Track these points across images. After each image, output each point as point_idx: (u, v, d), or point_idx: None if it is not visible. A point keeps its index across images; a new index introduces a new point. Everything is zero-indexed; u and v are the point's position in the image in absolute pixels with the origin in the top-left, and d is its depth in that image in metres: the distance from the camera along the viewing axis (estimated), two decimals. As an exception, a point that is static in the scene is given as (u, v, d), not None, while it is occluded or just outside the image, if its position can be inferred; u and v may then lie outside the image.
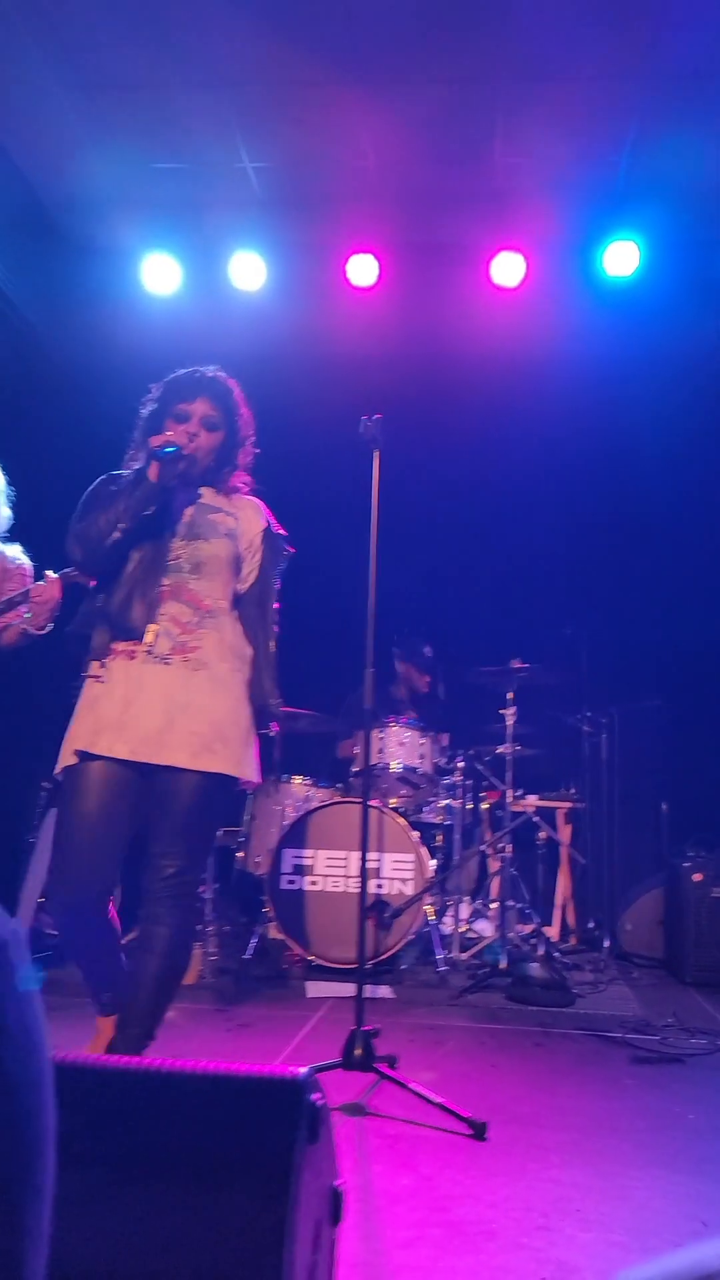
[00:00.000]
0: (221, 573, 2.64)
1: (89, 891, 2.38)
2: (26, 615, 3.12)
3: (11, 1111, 0.44)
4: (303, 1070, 1.18)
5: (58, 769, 2.50)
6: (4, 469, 3.66)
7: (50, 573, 3.06)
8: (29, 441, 3.83)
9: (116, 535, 2.50)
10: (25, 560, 3.58)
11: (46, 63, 4.79)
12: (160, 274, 5.98)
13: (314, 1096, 1.18)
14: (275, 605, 2.77)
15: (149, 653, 2.50)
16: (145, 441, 2.65)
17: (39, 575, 3.41)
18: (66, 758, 2.48)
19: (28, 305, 5.70)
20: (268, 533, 2.78)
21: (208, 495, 2.74)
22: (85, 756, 2.45)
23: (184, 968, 2.57)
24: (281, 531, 2.82)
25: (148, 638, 2.50)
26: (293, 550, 2.83)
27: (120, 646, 2.52)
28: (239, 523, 2.73)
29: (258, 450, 2.79)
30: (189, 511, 2.67)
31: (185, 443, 2.54)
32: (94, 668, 2.53)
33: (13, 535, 3.68)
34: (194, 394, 2.67)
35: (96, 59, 4.78)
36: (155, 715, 2.44)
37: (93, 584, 2.71)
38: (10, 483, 3.65)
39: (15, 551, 3.59)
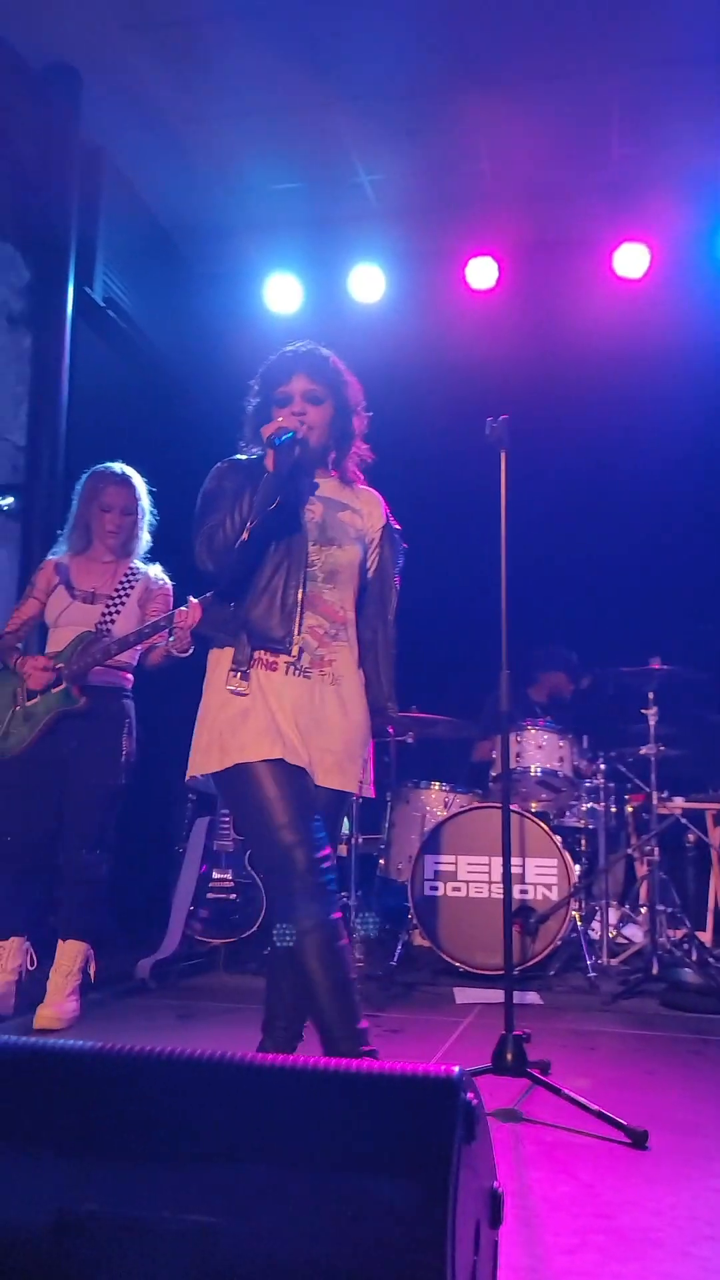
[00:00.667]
0: (352, 581, 2.57)
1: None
2: (170, 639, 3.22)
3: None
4: (456, 1069, 1.18)
5: (202, 771, 2.44)
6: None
7: (192, 598, 3.14)
8: (158, 467, 3.94)
9: (245, 537, 2.38)
10: (167, 580, 3.70)
11: (169, 97, 4.96)
12: (282, 293, 6.10)
13: (469, 1095, 1.17)
14: (395, 605, 2.66)
15: (293, 666, 2.43)
16: (256, 437, 2.55)
17: (179, 596, 3.52)
18: (220, 762, 2.39)
19: (156, 332, 5.90)
20: (388, 528, 2.69)
21: (330, 488, 2.62)
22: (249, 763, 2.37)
23: None
24: (397, 526, 2.74)
25: (293, 650, 2.43)
26: (406, 545, 2.73)
27: (261, 657, 2.43)
28: (364, 520, 2.64)
29: (370, 414, 2.67)
30: (318, 510, 2.56)
31: (297, 426, 2.43)
32: (235, 679, 2.42)
33: (150, 557, 3.79)
34: (289, 373, 2.55)
35: (215, 89, 4.93)
36: (294, 729, 2.39)
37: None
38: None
39: (157, 572, 3.71)
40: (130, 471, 3.68)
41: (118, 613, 3.55)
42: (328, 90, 4.96)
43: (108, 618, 3.53)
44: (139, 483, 3.68)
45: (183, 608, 3.10)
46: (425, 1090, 1.16)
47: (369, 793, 2.58)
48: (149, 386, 5.98)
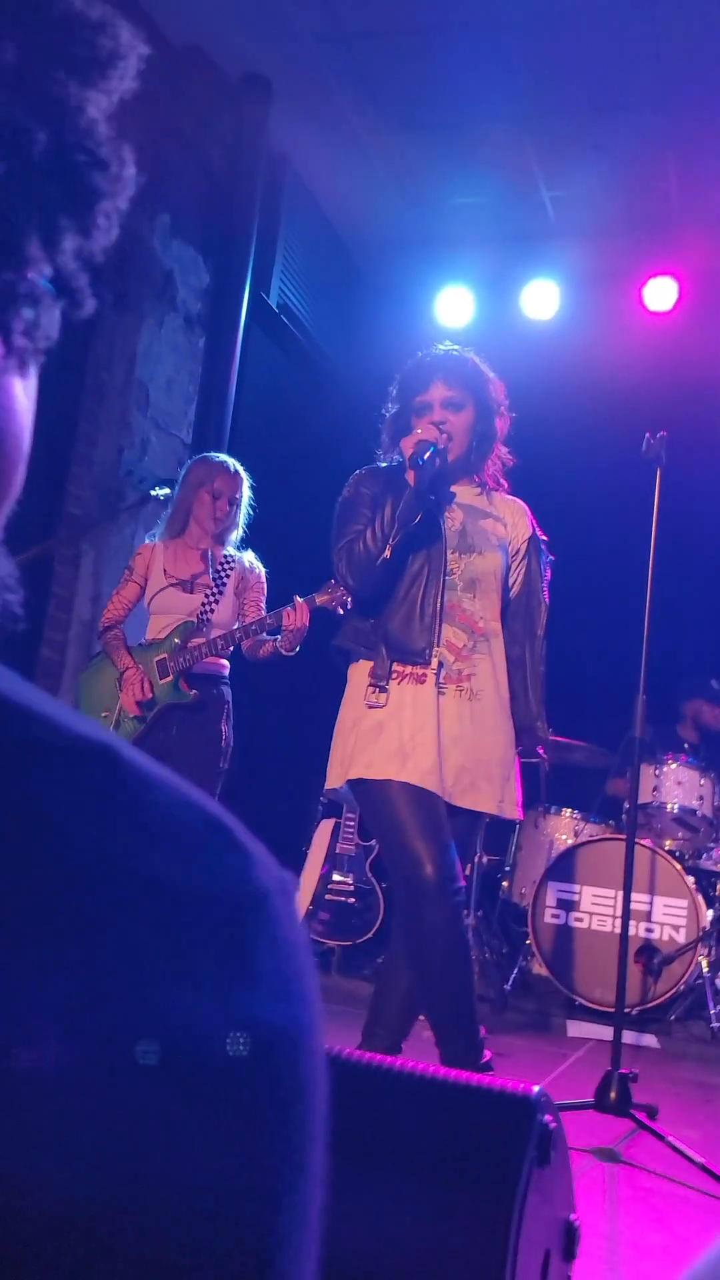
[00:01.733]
0: (494, 590, 2.51)
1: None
2: (278, 639, 3.29)
3: (265, 1081, 0.36)
4: (536, 1088, 1.14)
5: (336, 784, 2.46)
6: (303, 504, 3.84)
7: (299, 598, 3.21)
8: (318, 474, 3.99)
9: (387, 554, 2.35)
10: (261, 567, 3.73)
11: (355, 110, 5.04)
12: (454, 307, 6.10)
13: (546, 1118, 1.13)
14: (544, 620, 2.60)
15: (436, 678, 2.39)
16: (394, 445, 2.52)
17: (275, 588, 3.55)
18: (344, 776, 2.41)
19: (329, 341, 5.99)
20: (534, 539, 2.61)
21: (469, 495, 2.57)
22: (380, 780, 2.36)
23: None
24: (544, 537, 2.67)
25: (432, 662, 2.39)
26: (553, 558, 2.67)
27: (400, 669, 2.40)
28: (507, 529, 2.58)
29: (514, 415, 2.59)
30: (458, 517, 2.51)
31: (437, 437, 2.40)
32: (372, 693, 2.39)
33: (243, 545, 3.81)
34: (428, 381, 2.49)
35: (401, 103, 4.98)
36: (434, 747, 2.35)
37: (340, 608, 2.74)
38: (306, 512, 3.82)
39: (251, 559, 3.75)
40: (237, 464, 3.74)
41: (217, 601, 3.58)
42: (514, 105, 4.93)
43: (208, 607, 3.57)
44: (244, 475, 3.74)
45: (289, 608, 3.18)
46: (501, 1105, 1.13)
47: (512, 814, 2.52)
48: (315, 393, 6.08)
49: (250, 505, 3.75)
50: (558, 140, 5.17)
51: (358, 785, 2.40)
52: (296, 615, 3.15)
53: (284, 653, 3.26)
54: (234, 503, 3.69)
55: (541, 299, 5.94)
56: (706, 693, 5.41)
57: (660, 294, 5.79)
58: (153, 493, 3.94)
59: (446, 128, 5.15)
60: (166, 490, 3.97)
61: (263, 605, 3.60)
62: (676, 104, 4.81)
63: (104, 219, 0.47)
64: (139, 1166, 0.33)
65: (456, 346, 2.59)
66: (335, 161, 5.37)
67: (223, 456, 3.76)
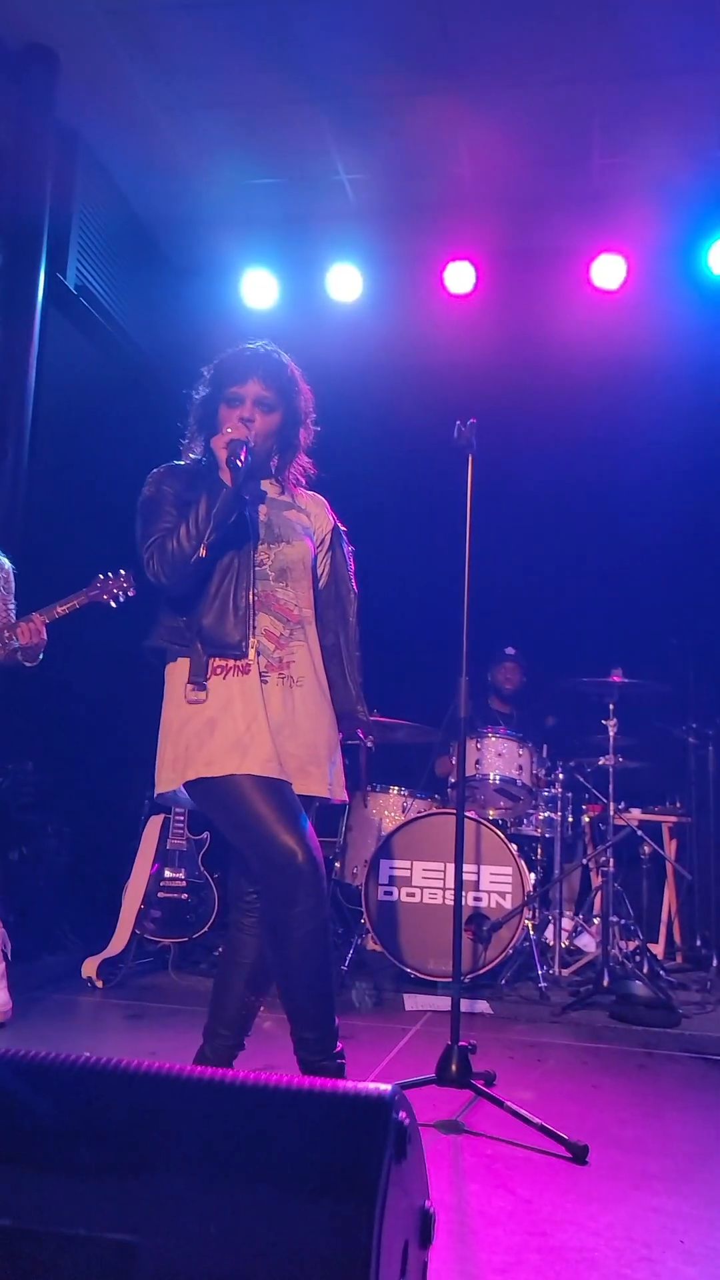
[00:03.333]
0: (305, 578, 2.53)
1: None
2: (17, 652, 3.25)
3: None
4: (389, 1088, 1.15)
5: (171, 788, 2.38)
6: (111, 487, 3.70)
7: (36, 615, 3.19)
8: (127, 458, 3.87)
9: (202, 553, 2.33)
10: (6, 560, 3.61)
11: (148, 85, 4.90)
12: (259, 289, 6.06)
13: (401, 1115, 1.14)
14: (355, 607, 2.63)
15: (259, 668, 2.38)
16: (201, 431, 2.52)
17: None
18: (184, 776, 2.35)
19: (132, 324, 5.83)
20: (336, 530, 2.66)
21: (270, 490, 2.59)
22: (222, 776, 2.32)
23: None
24: (344, 528, 2.70)
25: (250, 654, 2.37)
26: (353, 548, 2.70)
27: (220, 664, 2.38)
28: (311, 519, 2.61)
29: (318, 429, 2.62)
30: (264, 510, 2.53)
31: (247, 434, 2.39)
32: (191, 690, 2.37)
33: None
34: (245, 375, 2.48)
35: (196, 80, 4.88)
36: (268, 735, 2.33)
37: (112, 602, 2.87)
38: (113, 501, 3.68)
39: None
40: None
41: None
42: (310, 87, 4.91)
43: None
44: None
45: (25, 622, 3.16)
46: (356, 1109, 1.13)
47: (340, 796, 2.54)
48: (121, 377, 5.91)
49: None
50: (354, 123, 5.19)
51: (198, 785, 2.34)
52: (36, 631, 3.21)
53: (26, 664, 3.25)
54: None
55: (345, 282, 5.97)
56: (502, 658, 5.67)
57: (459, 277, 5.92)
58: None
59: (242, 106, 5.08)
60: None
61: (11, 599, 3.51)
62: (466, 90, 4.91)
63: None
64: None
65: (274, 346, 2.58)
66: (129, 138, 5.21)
67: None
